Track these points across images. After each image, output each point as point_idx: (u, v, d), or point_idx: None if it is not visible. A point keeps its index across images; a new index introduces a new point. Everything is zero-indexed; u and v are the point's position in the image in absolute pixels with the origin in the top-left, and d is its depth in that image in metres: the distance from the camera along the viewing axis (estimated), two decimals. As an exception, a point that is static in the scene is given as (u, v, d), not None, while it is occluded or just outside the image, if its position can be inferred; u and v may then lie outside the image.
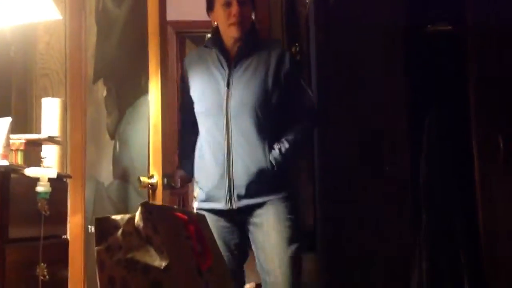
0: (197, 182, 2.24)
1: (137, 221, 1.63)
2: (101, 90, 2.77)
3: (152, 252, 1.59)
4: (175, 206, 1.85)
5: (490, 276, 2.40)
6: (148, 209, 1.61)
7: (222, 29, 2.23)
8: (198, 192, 2.22)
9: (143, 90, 2.59)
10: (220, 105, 2.16)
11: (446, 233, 2.49)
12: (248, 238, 2.22)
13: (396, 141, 2.49)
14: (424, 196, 2.51)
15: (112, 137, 2.70)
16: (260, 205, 2.16)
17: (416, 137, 2.54)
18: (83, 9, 2.86)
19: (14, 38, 2.55)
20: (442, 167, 2.51)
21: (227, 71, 2.19)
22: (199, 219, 1.93)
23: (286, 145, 2.15)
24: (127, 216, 1.64)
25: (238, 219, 2.20)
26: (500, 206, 2.42)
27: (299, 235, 2.19)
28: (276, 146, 2.14)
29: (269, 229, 2.15)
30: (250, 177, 2.13)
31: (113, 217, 1.63)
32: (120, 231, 1.60)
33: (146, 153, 2.37)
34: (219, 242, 2.08)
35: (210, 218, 2.12)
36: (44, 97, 2.56)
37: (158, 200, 2.16)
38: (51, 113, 2.35)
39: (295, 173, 2.34)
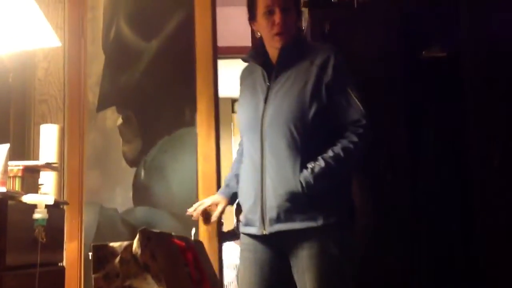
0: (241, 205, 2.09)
1: (135, 248, 1.63)
2: (113, 118, 2.77)
3: (150, 279, 1.59)
4: (172, 233, 1.84)
5: (490, 279, 2.39)
6: (146, 236, 1.62)
7: (265, 39, 2.07)
8: (242, 215, 2.07)
9: (186, 121, 2.66)
10: (256, 122, 1.99)
11: (445, 238, 2.50)
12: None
13: (397, 160, 2.49)
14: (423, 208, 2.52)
15: (133, 164, 2.69)
16: (298, 234, 1.91)
17: (415, 154, 2.56)
18: (83, 36, 2.88)
19: (13, 64, 2.56)
20: (441, 179, 2.54)
21: (268, 85, 2.03)
22: (197, 246, 1.93)
23: (322, 164, 1.89)
24: (125, 243, 1.64)
25: (278, 249, 1.97)
26: (497, 211, 2.41)
27: (344, 278, 1.91)
28: (309, 165, 1.89)
29: (304, 267, 1.91)
30: (279, 199, 1.91)
31: (111, 244, 1.63)
32: (118, 259, 1.61)
33: (192, 181, 2.50)
34: (258, 279, 1.96)
35: (250, 249, 2.01)
36: (42, 123, 2.57)
37: (213, 226, 2.19)
38: (49, 140, 2.35)
39: (345, 197, 2.00)
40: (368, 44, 2.57)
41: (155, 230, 1.69)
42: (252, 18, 2.09)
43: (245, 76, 2.16)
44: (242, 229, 2.05)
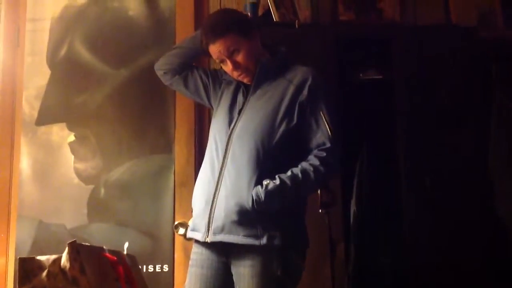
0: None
1: (64, 262, 1.59)
2: (61, 134, 2.73)
3: (78, 294, 1.55)
4: (104, 247, 1.81)
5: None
6: (76, 249, 1.58)
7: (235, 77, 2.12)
8: (191, 219, 2.08)
9: (161, 148, 2.69)
10: (226, 130, 2.02)
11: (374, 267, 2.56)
12: None
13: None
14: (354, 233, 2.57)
15: (89, 182, 2.69)
16: (241, 249, 1.90)
17: (348, 178, 2.62)
18: (19, 46, 2.82)
19: None
20: (372, 207, 2.60)
21: (245, 98, 2.07)
22: (129, 260, 1.91)
23: (277, 182, 1.87)
24: (53, 256, 1.61)
25: (224, 264, 1.96)
26: (424, 241, 2.48)
27: None
28: (264, 182, 1.88)
29: (245, 286, 1.89)
30: (228, 210, 1.90)
31: (38, 257, 1.60)
32: (45, 272, 1.57)
33: (167, 202, 2.61)
34: None
35: (197, 264, 2.00)
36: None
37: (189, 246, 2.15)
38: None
39: (296, 220, 1.99)
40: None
41: (85, 244, 1.66)
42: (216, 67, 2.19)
43: (228, 80, 2.17)
44: (189, 233, 2.06)
